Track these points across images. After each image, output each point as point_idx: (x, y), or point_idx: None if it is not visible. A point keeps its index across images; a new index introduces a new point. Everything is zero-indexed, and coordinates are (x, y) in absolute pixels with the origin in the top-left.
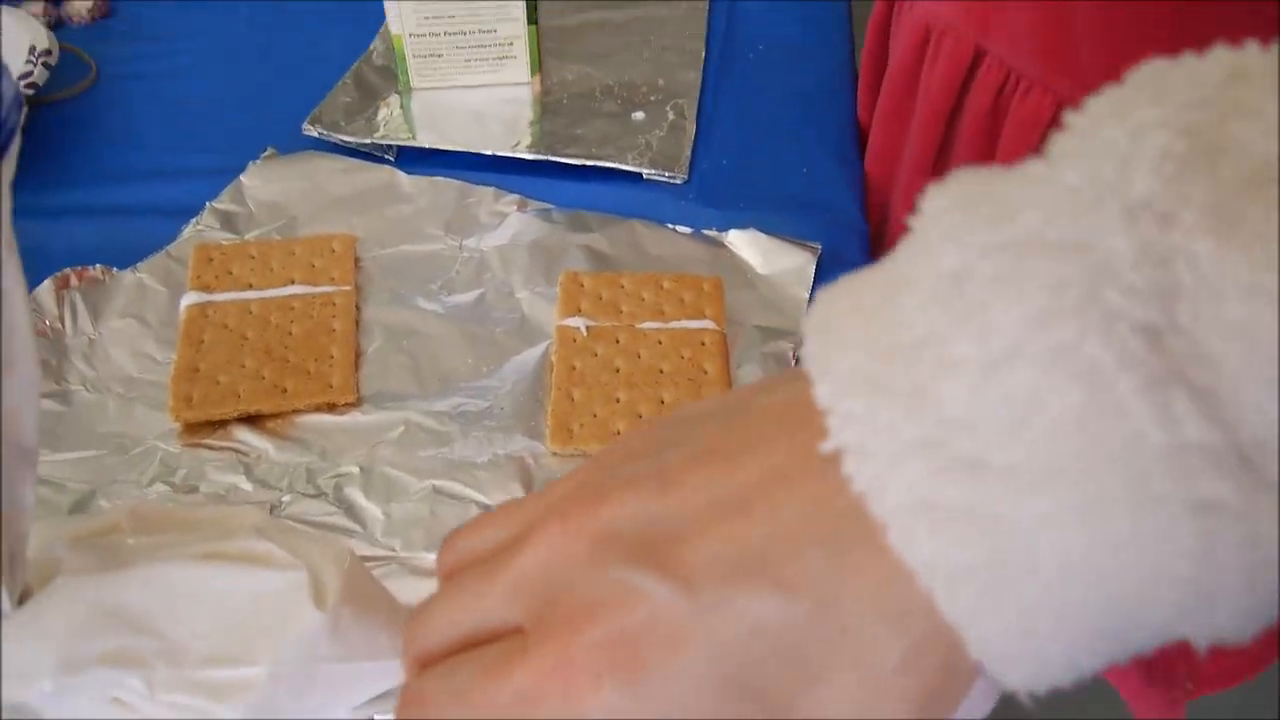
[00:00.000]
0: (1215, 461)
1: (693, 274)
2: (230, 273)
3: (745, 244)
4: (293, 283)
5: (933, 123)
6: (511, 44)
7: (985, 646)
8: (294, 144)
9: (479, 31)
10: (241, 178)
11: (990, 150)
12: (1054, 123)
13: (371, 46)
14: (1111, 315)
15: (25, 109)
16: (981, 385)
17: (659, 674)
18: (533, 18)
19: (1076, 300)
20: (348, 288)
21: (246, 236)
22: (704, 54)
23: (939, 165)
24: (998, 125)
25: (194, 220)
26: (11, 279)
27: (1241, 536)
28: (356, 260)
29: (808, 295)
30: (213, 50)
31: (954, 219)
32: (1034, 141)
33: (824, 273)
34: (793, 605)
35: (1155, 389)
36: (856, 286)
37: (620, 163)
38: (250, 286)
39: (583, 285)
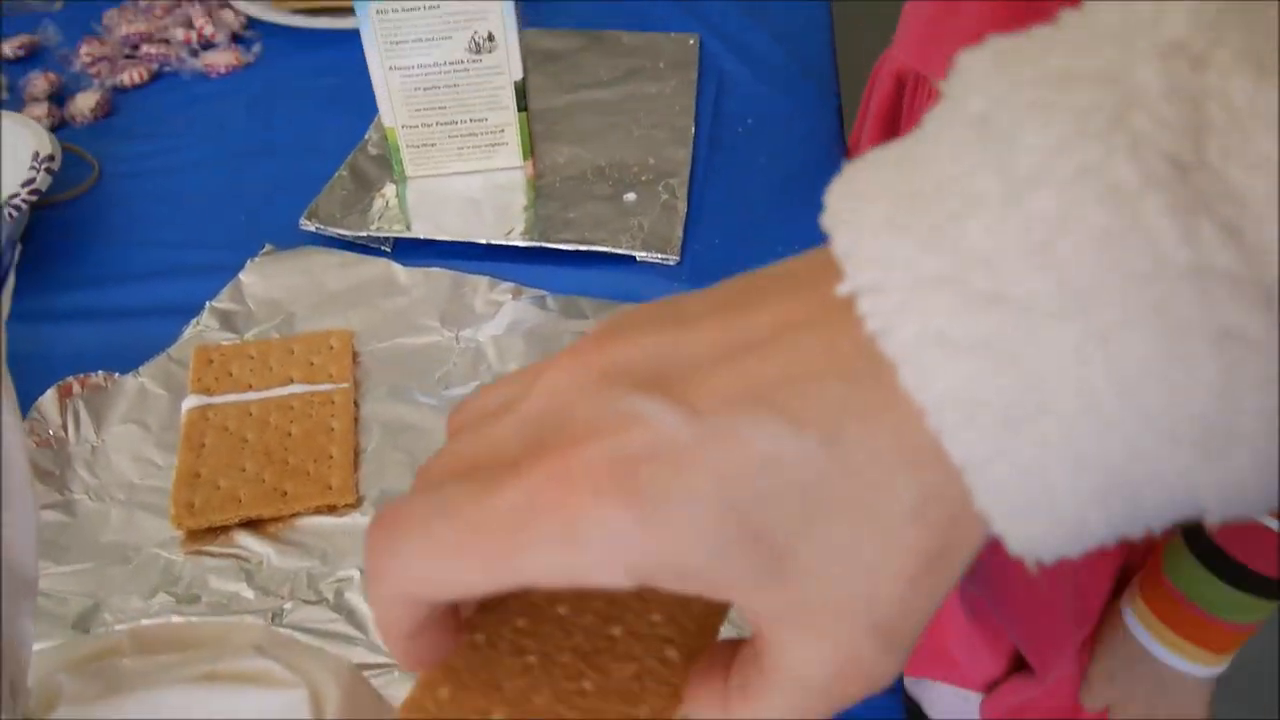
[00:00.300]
0: (1240, 292)
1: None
2: (230, 374)
3: None
4: (292, 381)
5: None
6: (503, 131)
7: (993, 494)
8: (292, 238)
9: (470, 120)
10: (240, 275)
11: None
12: None
13: (367, 136)
14: (1140, 139)
15: (28, 216)
16: (1003, 215)
17: (660, 496)
18: (522, 105)
19: (1104, 123)
20: (345, 385)
21: (246, 335)
22: (693, 130)
23: None
24: None
25: (194, 320)
26: (8, 415)
27: (1262, 375)
28: (354, 355)
29: None
30: (213, 144)
31: (984, 69)
32: None
33: None
34: (801, 439)
35: (1182, 212)
36: (883, 150)
37: (614, 246)
38: (250, 387)
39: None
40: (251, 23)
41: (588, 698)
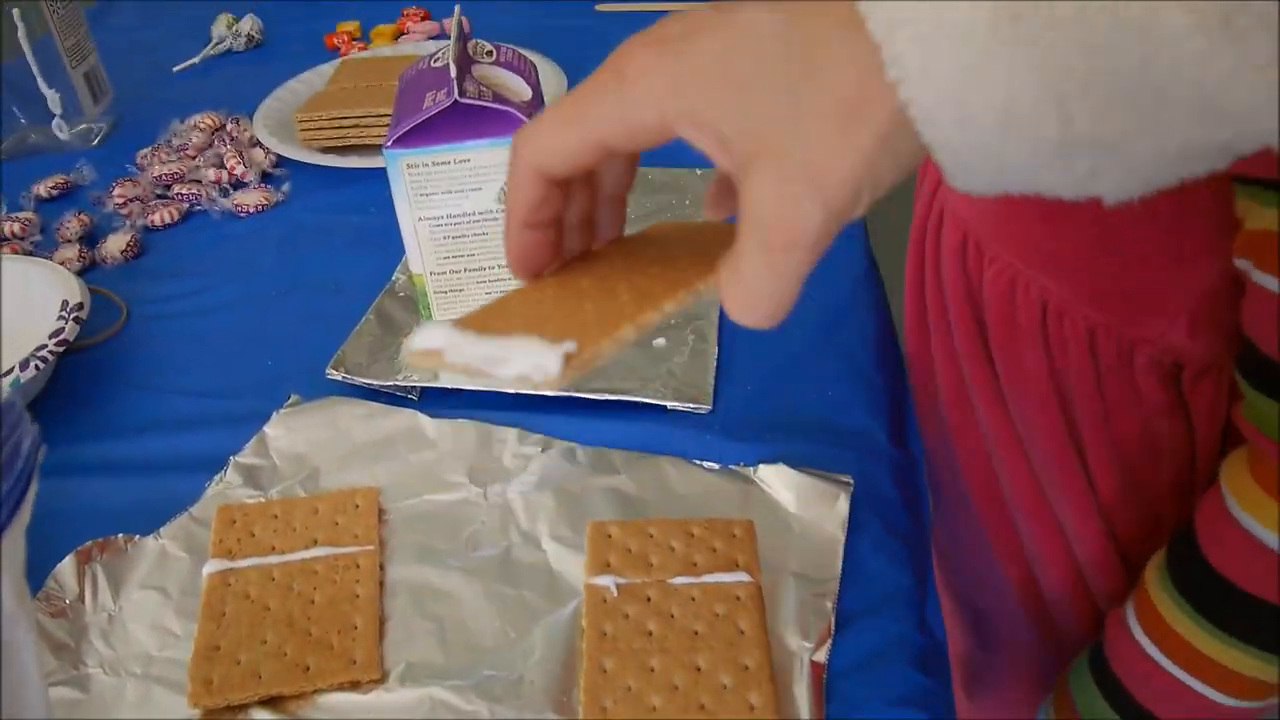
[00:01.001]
0: None
1: (723, 518)
2: (253, 534)
3: (775, 480)
4: (316, 543)
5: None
6: None
7: (901, 62)
8: (319, 386)
9: (499, 267)
10: (265, 428)
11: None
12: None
13: (395, 277)
14: None
15: (54, 365)
16: None
17: (682, 48)
18: None
19: None
20: (371, 547)
21: (270, 492)
22: None
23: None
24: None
25: (217, 476)
26: (22, 633)
27: None
28: (380, 512)
29: (843, 537)
30: (241, 284)
31: None
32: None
33: (858, 507)
34: (774, 14)
35: None
36: None
37: (644, 395)
38: (273, 549)
39: (610, 536)
40: (281, 161)
41: (651, 277)
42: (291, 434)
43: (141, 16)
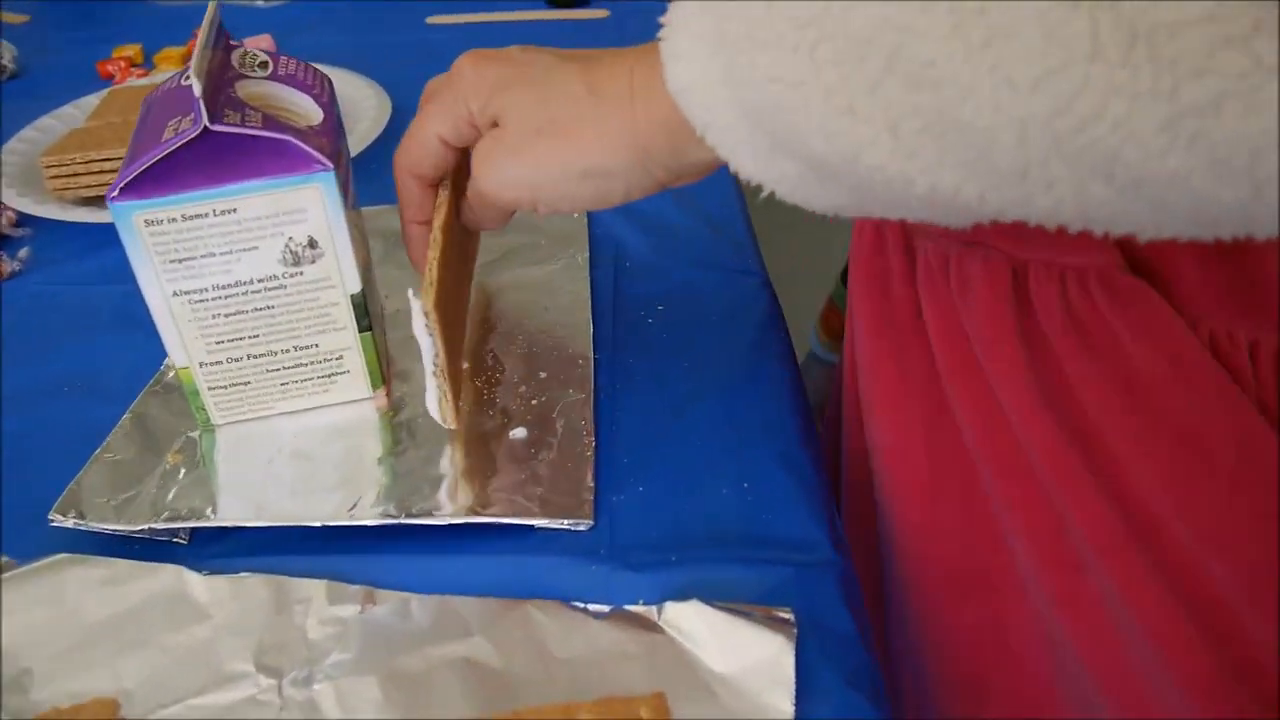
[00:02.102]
0: None
1: (623, 695)
2: None
3: (689, 623)
4: None
5: None
6: (340, 357)
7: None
8: (41, 542)
9: (295, 349)
10: None
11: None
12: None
13: (165, 366)
14: None
15: None
16: None
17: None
18: (365, 323)
19: None
20: None
21: None
22: (590, 327)
23: None
24: None
25: None
26: None
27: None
28: None
29: (791, 706)
30: None
31: None
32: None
33: (806, 651)
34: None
35: None
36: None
37: (499, 514)
38: None
39: None
40: (22, 219)
41: None
42: None
43: None
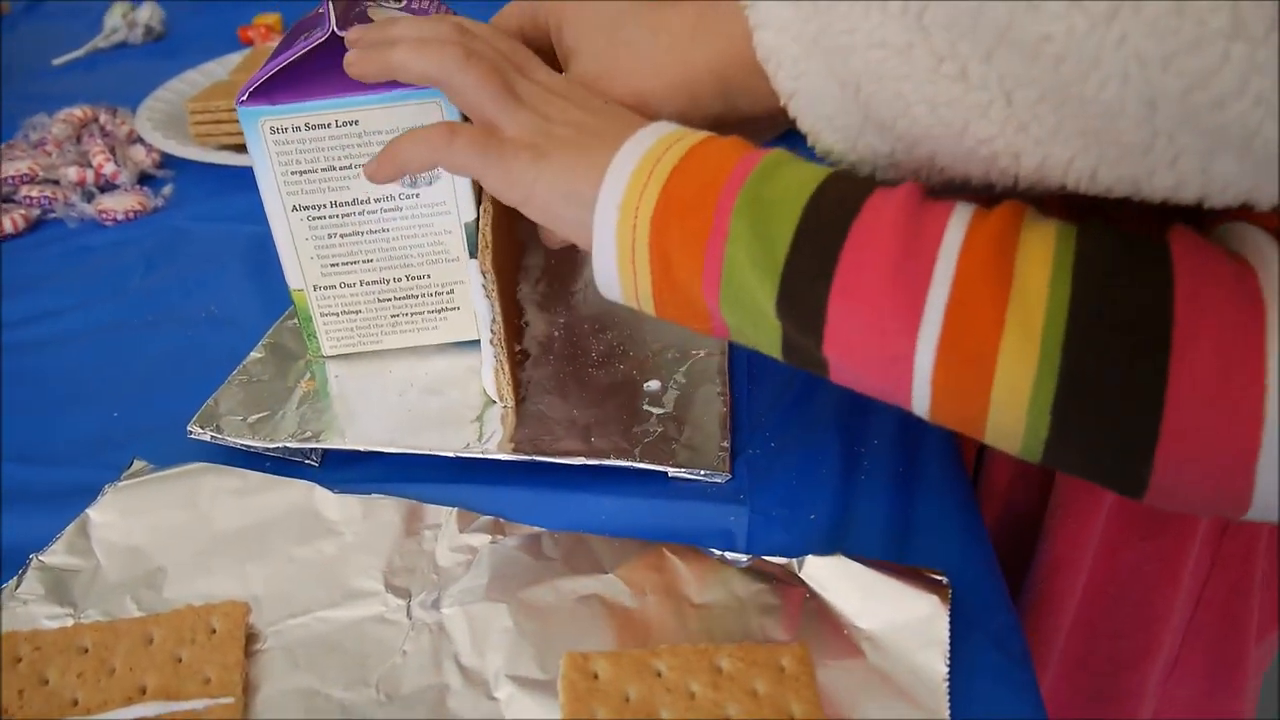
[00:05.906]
0: None
1: (764, 642)
2: (46, 682)
3: (832, 579)
4: (144, 694)
5: None
6: (452, 291)
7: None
8: (177, 451)
9: (407, 279)
10: (89, 511)
11: None
12: None
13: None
14: None
15: None
16: None
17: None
18: (473, 243)
19: None
20: (229, 700)
21: (85, 610)
22: None
23: None
24: None
25: (8, 585)
26: None
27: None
28: (250, 640)
29: (945, 666)
30: (96, 310)
31: None
32: None
33: (960, 617)
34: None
35: None
36: None
37: (634, 459)
38: (75, 705)
39: (597, 676)
40: (166, 161)
41: None
42: (127, 518)
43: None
